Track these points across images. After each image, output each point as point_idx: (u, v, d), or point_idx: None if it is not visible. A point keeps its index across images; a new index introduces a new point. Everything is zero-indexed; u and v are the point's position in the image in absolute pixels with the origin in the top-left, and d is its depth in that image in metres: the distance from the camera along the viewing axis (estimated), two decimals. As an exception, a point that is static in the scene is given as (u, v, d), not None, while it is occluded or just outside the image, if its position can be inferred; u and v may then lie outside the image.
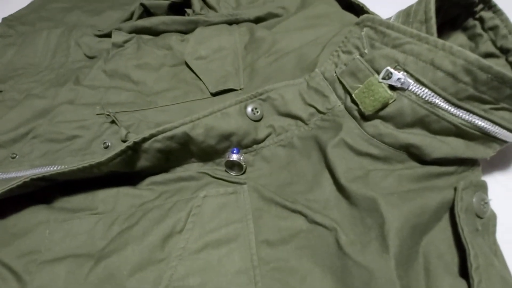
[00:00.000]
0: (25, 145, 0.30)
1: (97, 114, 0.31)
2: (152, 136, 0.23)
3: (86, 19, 0.46)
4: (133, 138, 0.22)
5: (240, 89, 0.30)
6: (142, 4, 0.39)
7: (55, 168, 0.25)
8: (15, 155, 0.30)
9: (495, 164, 0.25)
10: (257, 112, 0.25)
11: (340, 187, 0.20)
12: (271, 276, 0.19)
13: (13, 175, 0.28)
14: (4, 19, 0.49)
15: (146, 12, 0.40)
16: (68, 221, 0.24)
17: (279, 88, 0.25)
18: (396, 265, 0.16)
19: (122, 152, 0.23)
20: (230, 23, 0.36)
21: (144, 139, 0.23)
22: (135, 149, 0.23)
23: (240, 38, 0.34)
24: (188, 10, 0.39)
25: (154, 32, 0.38)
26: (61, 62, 0.39)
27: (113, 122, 0.30)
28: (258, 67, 0.31)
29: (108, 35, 0.40)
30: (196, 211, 0.23)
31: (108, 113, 0.30)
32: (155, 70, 0.34)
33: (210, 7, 0.38)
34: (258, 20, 0.36)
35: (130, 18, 0.40)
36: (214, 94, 0.31)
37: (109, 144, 0.29)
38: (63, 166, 0.25)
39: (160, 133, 0.23)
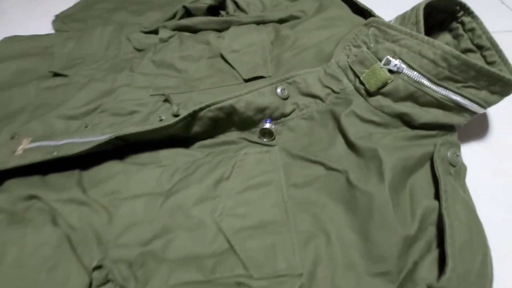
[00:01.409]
0: (95, 118, 0.37)
1: (151, 95, 0.39)
2: (207, 106, 0.30)
3: (131, 18, 0.54)
4: (193, 108, 0.30)
5: (268, 76, 0.37)
6: (184, 6, 0.46)
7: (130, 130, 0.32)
8: (87, 125, 0.37)
9: (472, 135, 0.32)
10: (285, 92, 0.32)
11: (350, 145, 0.27)
12: (298, 208, 0.26)
13: (89, 139, 0.35)
14: (57, 16, 0.57)
15: (187, 13, 0.47)
16: (140, 171, 0.31)
17: (302, 74, 0.32)
18: (389, 190, 0.22)
19: (184, 118, 0.30)
20: (258, 23, 0.43)
21: (201, 109, 0.30)
22: (194, 116, 0.30)
23: (267, 35, 0.41)
24: (222, 12, 0.47)
25: (194, 30, 0.45)
26: (114, 53, 0.46)
27: (166, 100, 0.37)
28: (283, 59, 0.38)
29: (153, 32, 0.47)
30: (239, 164, 0.30)
31: (163, 93, 0.37)
32: (195, 61, 0.42)
33: (241, 9, 0.45)
34: (281, 21, 0.43)
35: (172, 17, 0.48)
36: (246, 80, 0.38)
37: (163, 118, 0.36)
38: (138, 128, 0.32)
39: (213, 105, 0.30)
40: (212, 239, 0.26)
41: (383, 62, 0.27)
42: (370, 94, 0.28)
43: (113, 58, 0.45)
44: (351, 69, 0.30)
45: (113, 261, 0.25)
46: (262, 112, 0.31)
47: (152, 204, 0.28)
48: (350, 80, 0.30)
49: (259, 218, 0.26)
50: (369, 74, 0.28)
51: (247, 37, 0.41)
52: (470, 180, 0.26)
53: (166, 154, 0.32)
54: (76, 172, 0.32)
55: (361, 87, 0.29)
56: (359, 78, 0.29)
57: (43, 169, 0.32)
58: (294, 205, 0.26)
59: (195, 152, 0.33)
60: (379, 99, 0.27)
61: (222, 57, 0.41)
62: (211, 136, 0.33)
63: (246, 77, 0.38)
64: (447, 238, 0.20)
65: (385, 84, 0.27)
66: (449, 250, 0.19)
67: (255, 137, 0.32)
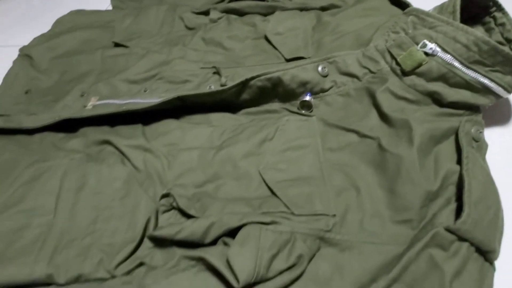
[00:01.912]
0: (153, 84, 0.42)
1: (201, 68, 0.43)
2: (258, 76, 0.34)
3: (181, 0, 0.59)
4: (245, 76, 0.34)
5: (308, 57, 0.41)
6: (233, -9, 0.51)
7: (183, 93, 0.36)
8: (146, 89, 0.42)
9: (496, 119, 0.34)
10: (325, 70, 0.36)
11: (383, 117, 0.31)
12: (331, 168, 0.30)
13: (148, 101, 0.40)
14: (114, -6, 0.63)
15: (235, -3, 0.52)
16: (194, 128, 0.36)
17: (342, 55, 0.36)
18: (417, 153, 0.26)
19: (238, 84, 0.34)
20: (301, 9, 0.47)
21: (252, 78, 0.34)
22: (245, 84, 0.35)
23: (309, 21, 0.45)
24: (268, -2, 0.51)
25: (241, 13, 0.50)
26: (167, 30, 0.51)
27: (215, 73, 0.42)
28: (324, 43, 0.42)
29: (204, 13, 0.52)
30: (281, 128, 0.34)
31: (214, 66, 0.42)
32: (241, 41, 0.46)
33: (285, -4, 0.49)
34: (323, 9, 0.47)
35: (221, 1, 0.52)
36: (287, 60, 0.42)
37: (213, 87, 0.41)
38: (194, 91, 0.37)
39: (263, 75, 0.34)
40: (256, 187, 0.31)
41: (420, 45, 0.30)
42: (405, 74, 0.31)
43: (167, 34, 0.51)
44: (389, 52, 0.33)
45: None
46: (304, 86, 0.36)
47: (205, 155, 0.33)
48: (386, 62, 0.33)
49: (297, 174, 0.31)
50: (406, 56, 0.31)
51: (291, 22, 0.45)
52: (489, 159, 0.29)
53: (216, 117, 0.37)
54: (139, 126, 0.37)
55: (397, 67, 0.32)
56: (396, 60, 0.32)
57: (111, 122, 0.38)
58: (328, 166, 0.31)
59: (241, 117, 0.37)
60: (413, 79, 0.31)
61: (266, 38, 0.45)
62: (256, 104, 0.38)
63: (288, 57, 0.42)
64: (465, 192, 0.23)
65: (420, 65, 0.30)
66: (466, 200, 0.23)
67: (294, 108, 0.37)
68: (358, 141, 0.31)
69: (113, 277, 0.26)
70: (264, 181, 0.31)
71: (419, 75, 0.31)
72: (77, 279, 0.26)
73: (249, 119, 0.37)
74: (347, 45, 0.40)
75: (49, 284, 0.26)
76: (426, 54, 0.30)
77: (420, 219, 0.25)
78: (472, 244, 0.22)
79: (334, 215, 0.26)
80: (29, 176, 0.32)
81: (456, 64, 0.29)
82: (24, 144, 0.37)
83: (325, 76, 0.36)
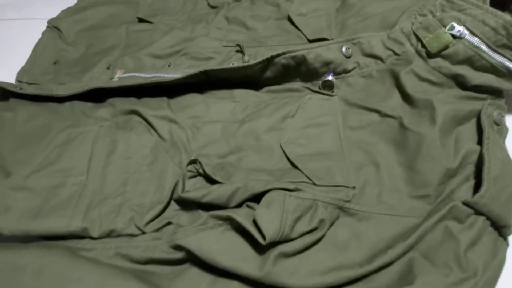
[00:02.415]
0: (177, 59, 0.44)
1: (224, 46, 0.44)
2: (283, 53, 0.35)
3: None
4: (271, 53, 0.35)
5: (331, 39, 0.42)
6: (257, -30, 0.51)
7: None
8: (170, 64, 0.43)
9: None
10: (349, 51, 0.36)
11: (406, 97, 0.31)
12: (351, 145, 0.31)
13: (171, 75, 0.42)
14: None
15: (260, -23, 0.52)
16: (218, 103, 0.37)
17: (367, 36, 0.36)
18: (439, 132, 0.27)
19: (263, 61, 0.35)
20: (325, -9, 0.47)
21: (278, 55, 0.35)
22: (270, 61, 0.35)
23: (333, 3, 0.45)
24: (292, -21, 0.51)
25: (264, -7, 0.50)
26: (190, 8, 0.52)
27: (238, 51, 0.43)
28: (348, 25, 0.42)
29: (227, -8, 0.52)
30: (303, 105, 0.35)
31: (237, 44, 0.42)
32: (264, 20, 0.46)
33: (310, -22, 0.49)
34: (347, -8, 0.47)
35: (245, -20, 0.52)
36: (310, 41, 0.42)
37: (236, 65, 0.42)
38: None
39: (288, 53, 0.35)
40: (278, 160, 0.32)
41: (447, 27, 0.30)
42: (430, 56, 0.32)
43: (190, 12, 0.51)
44: (415, 34, 0.33)
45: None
46: (327, 66, 0.36)
47: (228, 128, 0.34)
48: (412, 44, 0.34)
49: (317, 149, 0.32)
50: (433, 38, 0.31)
51: (314, 3, 0.45)
52: (508, 144, 0.29)
53: (239, 93, 0.38)
54: (164, 99, 0.39)
55: (422, 50, 0.32)
56: (421, 42, 0.32)
57: (137, 94, 0.39)
58: (348, 143, 0.31)
59: (263, 94, 0.38)
60: (438, 61, 0.31)
61: (289, 19, 0.45)
62: (278, 83, 0.39)
63: (311, 38, 0.42)
64: (485, 169, 0.24)
65: (446, 47, 0.30)
66: (485, 177, 0.23)
67: (316, 88, 0.37)
68: (379, 120, 0.32)
69: (143, 233, 0.28)
70: (285, 155, 0.32)
71: (445, 57, 0.31)
72: (110, 234, 0.28)
73: (271, 97, 0.38)
74: (371, 27, 0.40)
75: (84, 237, 0.28)
76: (453, 36, 0.30)
77: (438, 195, 0.26)
78: (488, 218, 0.23)
79: (354, 187, 0.27)
80: (62, 139, 0.34)
81: (483, 47, 0.29)
82: (56, 111, 0.38)
83: (349, 57, 0.36)
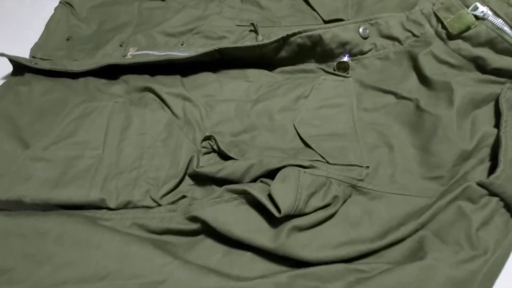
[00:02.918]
0: (190, 38, 0.43)
1: (237, 25, 0.44)
2: (299, 32, 0.34)
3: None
4: (286, 32, 0.34)
5: (347, 19, 0.41)
6: None
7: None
8: (183, 43, 0.43)
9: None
10: (366, 32, 0.36)
11: (423, 80, 0.31)
12: (365, 126, 0.31)
13: (185, 54, 0.41)
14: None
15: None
16: (231, 82, 0.37)
17: (385, 17, 0.35)
18: (456, 114, 0.27)
19: (278, 40, 0.35)
20: (342, -29, 0.46)
21: (294, 34, 0.34)
22: (285, 40, 0.35)
23: (350, -17, 0.44)
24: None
25: (279, -28, 0.49)
26: (203, -14, 0.51)
27: (251, 31, 0.42)
28: (365, 5, 0.41)
29: (240, -30, 0.51)
30: (317, 86, 0.35)
31: (252, 23, 0.42)
32: (277, 0, 0.45)
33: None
34: (365, -29, 0.45)
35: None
36: (325, 22, 0.42)
37: (250, 43, 0.41)
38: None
39: (304, 32, 0.34)
40: (291, 139, 0.32)
41: (471, 8, 0.30)
42: (451, 38, 0.31)
43: (203, -10, 0.50)
44: (435, 15, 0.33)
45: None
46: (343, 47, 0.36)
47: (242, 107, 0.35)
48: (431, 26, 0.33)
49: (330, 130, 0.32)
50: (454, 19, 0.31)
51: (330, -17, 0.44)
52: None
53: (252, 73, 0.38)
54: (178, 77, 0.39)
55: (442, 31, 0.32)
56: (442, 23, 0.32)
57: (150, 72, 0.40)
58: (362, 124, 0.31)
59: (277, 75, 0.38)
60: (458, 43, 0.31)
61: (304, -1, 0.44)
62: (292, 63, 0.38)
63: (326, 19, 0.41)
64: (501, 151, 0.24)
65: (468, 29, 0.30)
66: (501, 158, 0.23)
67: (331, 69, 0.37)
68: (394, 102, 0.31)
69: (159, 205, 0.28)
70: (299, 135, 0.32)
71: (466, 39, 0.30)
72: (126, 205, 0.29)
73: (285, 77, 0.38)
74: (389, 8, 0.39)
75: (101, 208, 0.29)
76: (476, 17, 0.29)
77: (451, 177, 0.26)
78: (501, 199, 0.23)
79: (367, 167, 0.27)
80: (78, 113, 0.34)
81: (506, 29, 0.28)
82: (70, 86, 0.39)
83: (365, 38, 0.36)
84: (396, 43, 0.35)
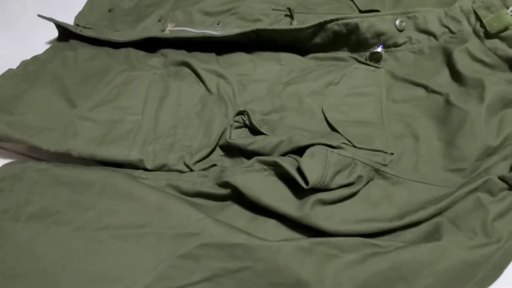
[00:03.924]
0: (226, 18, 0.44)
1: (273, 9, 0.45)
2: (336, 19, 0.35)
3: None
4: (324, 18, 0.35)
5: (384, 11, 0.41)
6: None
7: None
8: (219, 22, 0.44)
9: None
10: (403, 24, 0.36)
11: (455, 75, 0.31)
12: (392, 117, 0.32)
13: (220, 33, 0.43)
14: None
15: None
16: (264, 64, 0.38)
17: (424, 11, 0.36)
18: (485, 111, 0.27)
19: (315, 25, 0.36)
20: (383, -38, 0.46)
21: (331, 20, 0.35)
22: (321, 26, 0.36)
23: (390, -25, 0.44)
24: None
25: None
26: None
27: (286, 15, 0.43)
28: (403, -1, 0.41)
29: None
30: (348, 74, 0.36)
31: (288, 8, 0.43)
32: (314, -13, 0.46)
33: None
34: (406, -36, 0.45)
35: None
36: (361, 12, 0.42)
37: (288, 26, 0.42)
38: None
39: (341, 19, 0.35)
40: (318, 123, 0.34)
41: (510, 9, 0.30)
42: (488, 36, 0.31)
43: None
44: (475, 13, 0.33)
45: (243, 118, 0.34)
46: (378, 37, 0.36)
47: (273, 88, 0.36)
48: (470, 23, 0.33)
49: (357, 117, 0.33)
50: (493, 18, 0.31)
51: (369, -27, 0.44)
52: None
53: (285, 56, 0.39)
54: (213, 55, 0.40)
55: (480, 30, 0.32)
56: (481, 21, 0.32)
57: (187, 48, 0.41)
58: (389, 114, 0.33)
59: (308, 60, 0.39)
60: (495, 42, 0.31)
61: (341, -12, 0.44)
62: (324, 51, 0.39)
63: (363, 9, 0.42)
64: (526, 149, 0.25)
65: (506, 29, 0.30)
66: (526, 156, 0.24)
67: (362, 59, 0.38)
68: (424, 95, 0.32)
69: (191, 170, 0.31)
70: (326, 119, 0.33)
71: (503, 39, 0.31)
72: (161, 168, 0.31)
73: (316, 64, 0.39)
74: (428, 3, 0.39)
75: (138, 168, 0.32)
76: (517, 18, 0.30)
77: (473, 170, 0.27)
78: (521, 194, 0.24)
79: (392, 154, 0.29)
80: (121, 80, 0.37)
81: (547, 31, 0.28)
82: (112, 55, 0.41)
83: (401, 31, 0.36)
84: (432, 38, 0.35)
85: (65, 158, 0.33)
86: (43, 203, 0.29)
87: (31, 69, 0.39)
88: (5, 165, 0.33)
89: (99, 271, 0.25)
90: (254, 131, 0.32)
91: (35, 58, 0.41)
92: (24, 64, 0.39)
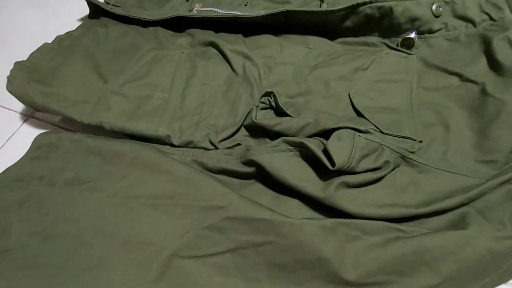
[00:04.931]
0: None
1: (301, -8, 0.44)
2: (370, 2, 0.34)
3: None
4: (357, 1, 0.34)
5: (419, -4, 0.39)
6: None
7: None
8: (247, 4, 0.44)
9: None
10: (439, 10, 0.34)
11: (494, 64, 0.30)
12: (422, 105, 0.32)
13: (247, 14, 0.43)
14: None
15: None
16: (292, 47, 0.38)
17: (463, -4, 0.34)
18: (524, 101, 0.26)
19: (347, 8, 0.35)
20: None
21: (364, 3, 0.34)
22: (353, 9, 0.35)
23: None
24: None
25: None
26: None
27: (317, -2, 0.42)
28: (441, -17, 0.39)
29: None
30: (378, 60, 0.35)
31: (322, -10, 0.42)
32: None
33: None
34: None
35: None
36: (395, -4, 0.40)
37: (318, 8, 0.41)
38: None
39: (375, 2, 0.34)
40: (344, 108, 0.33)
41: None
42: (532, 25, 0.30)
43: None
44: (520, -1, 0.31)
45: (268, 100, 0.34)
46: (412, 23, 0.35)
47: (300, 71, 0.36)
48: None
49: (385, 104, 0.32)
50: (541, 5, 0.29)
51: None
52: None
53: (313, 40, 0.39)
54: (240, 36, 0.40)
55: (524, 17, 0.30)
56: (525, 9, 0.30)
57: (214, 28, 0.41)
58: (419, 102, 0.32)
59: (337, 45, 0.39)
60: (540, 30, 0.29)
61: (375, -29, 0.43)
62: (354, 35, 0.38)
63: (397, -6, 0.40)
64: None
65: (554, 16, 0.28)
66: None
67: (394, 45, 0.37)
68: (458, 84, 0.31)
69: (216, 148, 0.32)
70: (352, 104, 0.33)
71: (549, 27, 0.29)
72: (187, 144, 0.32)
73: (345, 48, 0.38)
74: (467, -12, 0.37)
75: (165, 144, 0.33)
76: None
77: (506, 162, 0.26)
78: (556, 188, 0.23)
79: (421, 141, 0.28)
80: (150, 58, 0.37)
81: None
82: (142, 33, 0.42)
83: (437, 17, 0.35)
84: (470, 25, 0.34)
85: (96, 131, 0.34)
86: (77, 171, 0.31)
87: (65, 44, 0.40)
88: (41, 135, 0.35)
89: (129, 235, 0.26)
90: (279, 112, 0.32)
91: (68, 34, 0.42)
92: (59, 39, 0.41)
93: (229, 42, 0.39)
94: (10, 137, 0.40)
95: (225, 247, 0.24)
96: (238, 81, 0.37)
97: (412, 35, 0.35)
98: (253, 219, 0.24)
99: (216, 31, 0.42)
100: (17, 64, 0.36)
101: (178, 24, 0.43)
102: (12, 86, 0.34)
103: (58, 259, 0.26)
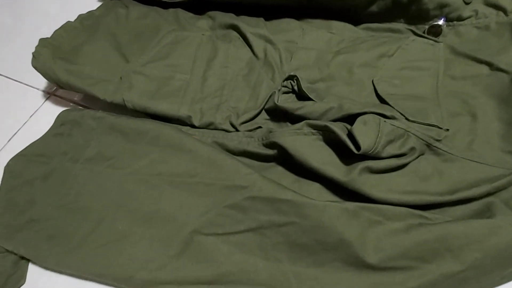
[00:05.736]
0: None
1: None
2: (399, -13, 0.33)
3: None
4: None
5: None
6: None
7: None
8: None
9: None
10: (470, -4, 0.33)
11: (526, 53, 0.29)
12: (448, 94, 0.31)
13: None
14: None
15: None
16: (314, 31, 0.37)
17: (497, -18, 0.33)
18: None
19: (374, -9, 0.34)
20: None
21: (393, -13, 0.33)
22: (381, -8, 0.34)
23: None
24: None
25: None
26: None
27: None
28: (472, -31, 0.38)
29: None
30: (404, 46, 0.34)
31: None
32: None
33: None
34: None
35: None
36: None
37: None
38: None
39: (404, -14, 0.33)
40: (366, 95, 0.33)
41: None
42: None
43: None
44: (559, -14, 0.30)
45: (289, 85, 0.34)
46: (441, 9, 0.34)
47: (322, 56, 0.35)
48: (551, -2, 0.30)
49: (410, 91, 0.32)
50: None
51: None
52: None
53: (336, 25, 0.38)
54: (261, 19, 0.40)
55: None
56: None
57: (235, 11, 0.41)
58: (446, 91, 0.31)
59: (360, 31, 0.38)
60: None
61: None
62: (379, 21, 0.37)
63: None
64: None
65: None
66: None
67: (420, 32, 0.36)
68: (487, 73, 0.30)
69: (237, 130, 0.32)
70: (376, 91, 0.32)
71: None
72: (208, 126, 0.32)
73: (368, 34, 0.37)
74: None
75: (186, 125, 0.33)
76: None
77: (534, 153, 0.26)
78: None
79: (447, 130, 0.28)
80: (171, 39, 0.37)
81: None
82: (162, 14, 0.41)
83: (468, 3, 0.34)
84: (501, 13, 0.33)
85: (118, 110, 0.34)
86: (99, 148, 0.31)
87: (87, 23, 0.40)
88: (64, 112, 0.36)
89: (151, 211, 0.26)
90: (301, 97, 0.32)
91: (90, 13, 0.42)
92: (81, 18, 0.41)
93: (251, 25, 0.39)
94: (32, 114, 0.41)
95: (247, 226, 0.24)
96: (259, 65, 0.36)
97: (440, 22, 0.34)
98: (276, 199, 0.24)
99: (237, 14, 0.41)
100: (42, 40, 0.36)
101: (198, 6, 0.42)
102: (37, 62, 0.35)
103: (82, 231, 0.27)
